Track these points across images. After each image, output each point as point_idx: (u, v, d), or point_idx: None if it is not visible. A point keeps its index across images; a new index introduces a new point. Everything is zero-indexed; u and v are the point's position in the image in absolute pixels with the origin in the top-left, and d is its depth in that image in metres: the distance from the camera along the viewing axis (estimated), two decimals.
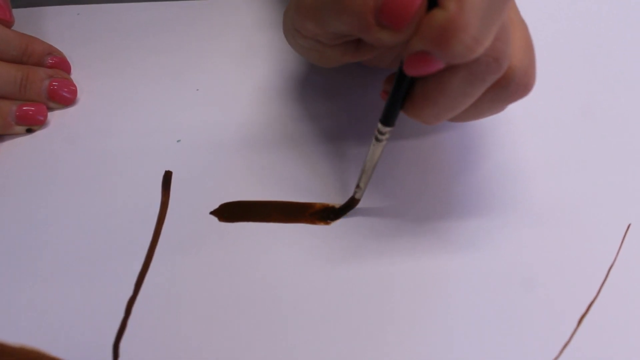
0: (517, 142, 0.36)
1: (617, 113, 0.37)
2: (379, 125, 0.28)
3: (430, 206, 0.33)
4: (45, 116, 0.38)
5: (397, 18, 0.24)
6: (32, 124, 0.37)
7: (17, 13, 0.43)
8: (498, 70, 0.25)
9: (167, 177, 0.35)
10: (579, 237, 0.31)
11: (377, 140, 0.29)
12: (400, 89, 0.26)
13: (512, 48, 0.26)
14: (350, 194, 0.33)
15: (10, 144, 0.37)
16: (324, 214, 0.33)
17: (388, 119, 0.28)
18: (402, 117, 0.28)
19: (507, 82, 0.26)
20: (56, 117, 0.38)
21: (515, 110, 0.37)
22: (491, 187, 0.34)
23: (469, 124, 0.37)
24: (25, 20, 0.44)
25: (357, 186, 0.32)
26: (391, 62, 0.36)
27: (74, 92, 0.39)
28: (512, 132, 0.36)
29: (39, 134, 0.37)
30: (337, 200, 0.33)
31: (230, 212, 0.33)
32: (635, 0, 0.46)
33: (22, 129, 0.37)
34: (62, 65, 0.40)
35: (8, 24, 0.39)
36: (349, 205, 0.33)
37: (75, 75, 0.40)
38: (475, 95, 0.26)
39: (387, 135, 0.29)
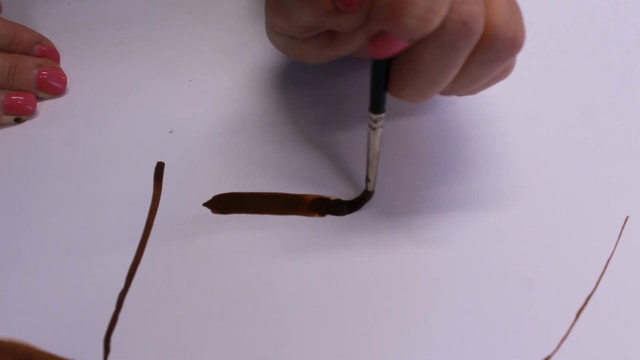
0: (515, 136, 0.36)
1: (615, 107, 0.37)
2: (370, 114, 0.28)
3: (426, 199, 0.33)
4: (34, 106, 0.37)
5: (349, 0, 0.24)
6: (20, 114, 0.37)
7: (6, 2, 0.42)
8: (469, 34, 0.24)
9: (159, 168, 0.34)
10: (577, 230, 0.31)
11: (372, 129, 0.28)
12: (378, 74, 0.26)
13: (491, 5, 0.25)
14: (343, 185, 0.33)
15: None
16: (318, 206, 0.32)
17: (375, 107, 0.27)
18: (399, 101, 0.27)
19: (491, 42, 0.25)
20: (45, 107, 0.38)
21: (513, 105, 0.37)
22: (489, 181, 0.33)
23: (467, 119, 0.36)
24: (15, 8, 0.43)
25: (367, 179, 0.31)
26: None
27: (63, 82, 0.38)
28: (510, 127, 0.36)
29: (27, 124, 0.37)
30: (330, 191, 0.33)
31: (224, 203, 0.32)
32: (636, 0, 0.46)
33: (10, 118, 0.37)
34: (51, 54, 0.39)
35: None
36: (363, 198, 0.32)
37: (65, 65, 0.40)
38: (455, 65, 0.25)
39: (380, 123, 0.28)
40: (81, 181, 0.34)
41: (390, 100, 0.27)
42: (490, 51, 0.25)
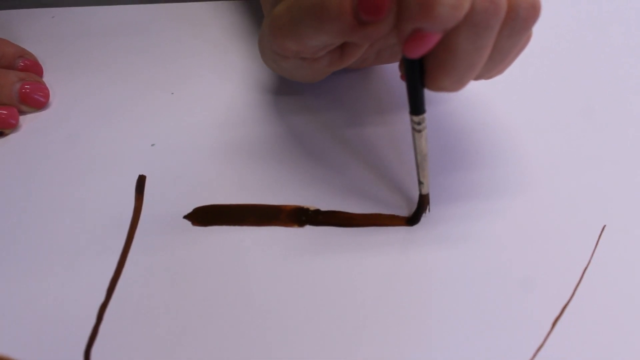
0: (512, 139, 0.36)
1: (614, 111, 0.38)
2: (412, 117, 0.28)
3: (402, 201, 0.33)
4: (17, 119, 0.37)
5: (376, 9, 0.24)
6: (3, 128, 0.37)
7: None
8: (498, 10, 0.24)
9: (141, 181, 0.34)
10: (553, 239, 0.31)
11: (417, 131, 0.28)
12: (413, 74, 0.26)
13: None
14: (323, 196, 0.33)
15: None
16: (297, 216, 0.32)
17: (416, 108, 0.27)
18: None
19: (515, 13, 0.25)
20: (28, 121, 0.38)
21: (513, 108, 0.38)
22: (470, 188, 0.34)
23: (462, 121, 0.37)
24: None
25: (419, 182, 0.31)
26: (374, 59, 0.36)
27: (46, 96, 0.38)
28: (507, 130, 0.37)
29: (10, 138, 0.37)
30: (310, 201, 0.33)
31: (204, 216, 0.32)
32: (636, 1, 0.46)
33: None
34: (34, 68, 0.39)
35: None
36: (421, 203, 0.32)
37: (48, 79, 0.40)
38: (489, 44, 0.25)
39: (424, 124, 0.28)
40: (63, 193, 0.34)
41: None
42: (515, 22, 0.25)
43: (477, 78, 0.29)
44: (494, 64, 0.28)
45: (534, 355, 0.27)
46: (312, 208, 0.33)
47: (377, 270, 0.30)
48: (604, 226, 0.32)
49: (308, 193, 0.33)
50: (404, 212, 0.33)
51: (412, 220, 0.32)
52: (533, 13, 0.26)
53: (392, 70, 0.40)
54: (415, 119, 0.28)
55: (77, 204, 0.33)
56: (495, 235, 0.31)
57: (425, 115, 0.28)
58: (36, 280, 0.30)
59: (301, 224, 0.32)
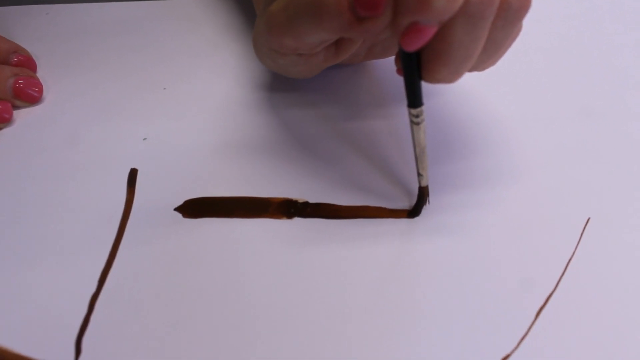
0: (508, 138, 0.36)
1: (577, 111, 0.38)
2: (410, 110, 0.28)
3: (402, 193, 0.33)
4: (11, 114, 0.37)
5: (374, 5, 0.24)
6: None
7: None
8: (492, 1, 0.24)
9: (132, 174, 0.35)
10: (538, 230, 0.32)
11: (416, 124, 0.28)
12: (410, 67, 0.26)
13: None
14: (309, 190, 0.33)
15: None
16: (286, 208, 0.33)
17: (413, 100, 0.28)
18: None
19: (507, 4, 0.26)
20: (22, 115, 0.38)
21: (510, 107, 0.38)
22: (468, 179, 0.34)
23: (453, 119, 0.37)
24: None
25: (419, 174, 0.31)
26: (366, 54, 0.36)
27: (40, 90, 0.39)
28: (505, 129, 0.37)
29: (4, 132, 0.37)
30: (308, 195, 0.33)
31: (194, 208, 0.33)
32: (635, 1, 0.47)
33: None
34: (27, 64, 0.40)
35: None
36: (421, 195, 0.32)
37: (42, 74, 0.40)
38: (484, 34, 0.26)
39: (422, 116, 0.28)
40: (56, 186, 0.34)
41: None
42: (508, 13, 0.26)
43: (471, 70, 0.29)
44: (488, 55, 0.28)
45: (518, 345, 0.27)
46: (300, 200, 0.33)
47: (373, 262, 0.30)
48: (589, 219, 0.32)
49: (306, 187, 0.34)
50: (404, 203, 0.33)
51: (413, 212, 0.32)
52: (525, 4, 0.26)
53: (384, 65, 0.41)
54: (414, 111, 0.28)
55: (70, 197, 0.34)
56: (493, 225, 0.32)
57: (423, 107, 0.28)
58: (29, 271, 0.30)
59: (289, 216, 0.32)
